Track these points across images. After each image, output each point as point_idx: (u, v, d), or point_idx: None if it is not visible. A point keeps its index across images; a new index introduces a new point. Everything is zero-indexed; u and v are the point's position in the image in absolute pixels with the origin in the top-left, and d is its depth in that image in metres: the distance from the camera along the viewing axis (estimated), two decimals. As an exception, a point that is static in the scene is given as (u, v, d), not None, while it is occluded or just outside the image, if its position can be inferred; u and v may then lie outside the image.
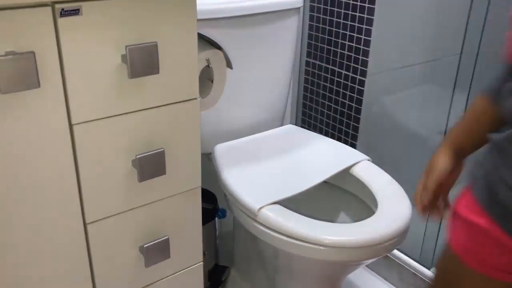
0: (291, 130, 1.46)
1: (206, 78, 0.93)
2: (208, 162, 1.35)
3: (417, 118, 1.62)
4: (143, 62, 0.71)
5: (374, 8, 1.38)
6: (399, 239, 1.06)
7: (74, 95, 0.69)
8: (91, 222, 0.79)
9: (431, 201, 0.83)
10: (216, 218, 1.47)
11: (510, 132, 0.65)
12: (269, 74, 1.40)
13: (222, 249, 1.57)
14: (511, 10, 0.71)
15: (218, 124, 1.36)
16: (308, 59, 1.68)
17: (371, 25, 1.41)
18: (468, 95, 1.24)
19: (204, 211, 1.44)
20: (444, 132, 1.32)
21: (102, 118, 0.73)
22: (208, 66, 0.89)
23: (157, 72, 0.73)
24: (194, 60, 0.79)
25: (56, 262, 0.77)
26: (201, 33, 1.19)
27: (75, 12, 0.66)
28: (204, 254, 1.47)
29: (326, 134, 1.67)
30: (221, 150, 1.31)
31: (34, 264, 0.75)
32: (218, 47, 0.90)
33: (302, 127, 1.78)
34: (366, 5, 1.40)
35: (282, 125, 1.52)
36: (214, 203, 1.44)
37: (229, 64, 0.93)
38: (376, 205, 1.14)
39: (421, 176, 0.85)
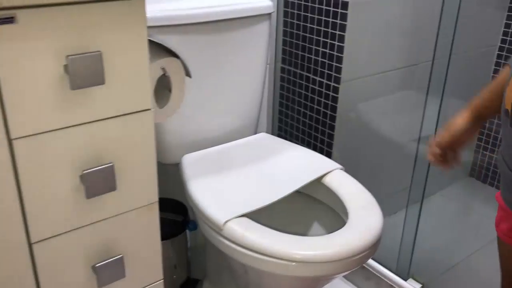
0: (264, 139, 1.42)
1: (164, 88, 0.89)
2: (178, 172, 1.30)
3: (392, 125, 1.60)
4: (86, 72, 0.67)
5: (346, 14, 1.36)
6: (370, 251, 1.03)
7: (12, 108, 0.65)
8: (37, 242, 0.74)
9: (442, 154, 0.94)
10: (187, 230, 1.43)
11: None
12: (240, 81, 1.36)
13: (195, 262, 1.52)
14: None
15: (187, 133, 1.32)
16: (283, 66, 1.65)
17: (344, 31, 1.38)
18: (441, 100, 1.21)
19: (175, 223, 1.40)
20: (418, 140, 1.29)
21: (44, 132, 0.68)
22: (164, 75, 0.85)
23: (103, 83, 0.69)
24: (145, 69, 0.75)
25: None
26: (163, 40, 1.15)
27: (9, 20, 0.61)
28: (175, 267, 1.43)
29: (303, 141, 1.64)
30: (189, 161, 1.27)
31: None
32: (175, 55, 0.86)
33: (279, 134, 1.74)
34: (339, 10, 1.37)
35: (256, 133, 1.48)
36: (185, 215, 1.40)
37: (188, 73, 0.89)
38: (347, 216, 1.11)
39: (440, 131, 0.95)
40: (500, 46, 1.93)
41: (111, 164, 0.75)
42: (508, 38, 1.91)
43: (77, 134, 0.71)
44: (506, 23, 1.90)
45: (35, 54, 0.64)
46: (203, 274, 1.51)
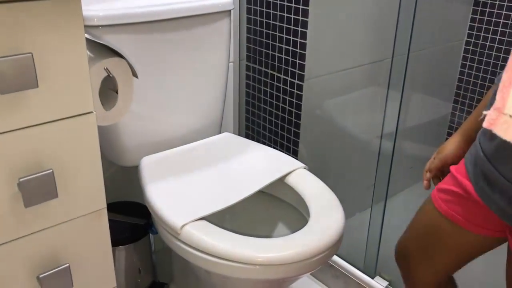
0: (227, 138, 1.40)
1: (111, 89, 0.85)
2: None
3: (357, 122, 1.59)
4: (16, 75, 0.63)
5: (308, 10, 1.34)
6: (330, 251, 1.01)
7: None
8: (-26, 254, 0.70)
9: (434, 177, 1.01)
10: (151, 234, 1.40)
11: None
12: (201, 80, 1.34)
13: (160, 266, 1.49)
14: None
15: (147, 134, 1.28)
16: (248, 64, 1.62)
17: (306, 27, 1.36)
18: (401, 96, 1.20)
19: (137, 227, 1.37)
20: (380, 136, 1.28)
21: (-26, 139, 0.65)
22: (109, 76, 0.81)
23: (36, 86, 0.66)
24: (85, 70, 0.71)
25: None
26: (113, 40, 1.12)
27: None
28: (139, 271, 1.40)
29: (270, 140, 1.62)
30: (147, 163, 1.23)
31: None
32: (120, 55, 0.83)
33: (246, 134, 1.72)
34: (300, 6, 1.35)
35: (220, 132, 1.45)
36: (147, 218, 1.37)
37: (134, 73, 0.86)
38: (309, 216, 1.09)
39: (434, 154, 1.01)
40: (466, 40, 1.94)
41: (50, 170, 0.71)
42: (474, 33, 1.91)
43: (12, 140, 0.68)
44: (472, 18, 1.91)
45: (-42, 57, 0.61)
46: (170, 277, 1.48)
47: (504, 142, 0.72)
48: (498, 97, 0.55)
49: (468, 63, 1.95)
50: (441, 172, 1.01)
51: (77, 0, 0.68)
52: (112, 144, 1.25)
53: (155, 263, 1.45)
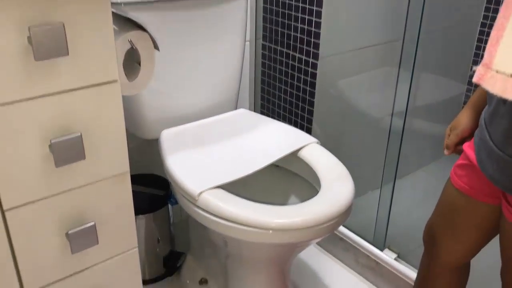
0: (243, 114, 1.45)
1: (134, 61, 0.91)
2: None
3: (370, 101, 1.62)
4: (49, 43, 0.69)
5: (323, -11, 1.37)
6: (340, 219, 1.06)
7: (-22, 78, 0.67)
8: (9, 209, 0.77)
9: (454, 149, 1.02)
10: (170, 205, 1.46)
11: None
12: (218, 57, 1.38)
13: (178, 236, 1.56)
14: None
15: (166, 109, 1.34)
16: (264, 43, 1.66)
17: (321, 6, 1.39)
18: (412, 76, 1.23)
19: (156, 198, 1.43)
20: (391, 115, 1.32)
21: (11, 103, 0.71)
22: (132, 48, 0.87)
23: (66, 54, 0.71)
24: (111, 41, 0.77)
25: (-28, 250, 0.75)
26: (136, 17, 1.17)
27: (-29, -8, 0.63)
28: (158, 240, 1.47)
29: (283, 117, 1.67)
30: (167, 136, 1.29)
31: None
32: (143, 28, 0.88)
33: (261, 111, 1.77)
34: (316, -14, 1.39)
35: (236, 108, 1.50)
36: (167, 190, 1.43)
37: (156, 46, 0.91)
38: (320, 187, 1.14)
39: (446, 130, 1.04)
40: (482, 22, 1.95)
41: (79, 133, 0.77)
42: (490, 14, 1.92)
43: (44, 105, 0.74)
44: (488, -1, 1.91)
45: (-2, 25, 0.66)
46: (187, 247, 1.54)
47: (496, 107, 0.75)
48: (486, 54, 0.60)
49: (483, 44, 1.96)
50: (458, 147, 1.04)
51: (104, -26, 0.73)
52: (135, 118, 1.31)
53: (173, 234, 1.52)
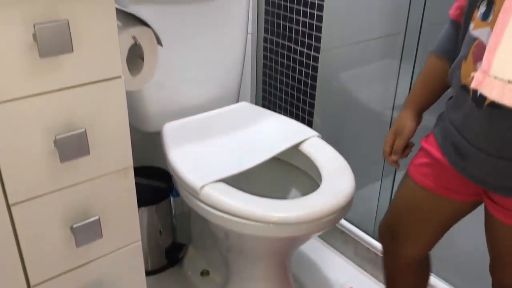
0: (244, 108, 1.45)
1: (137, 57, 0.91)
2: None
3: (371, 95, 1.62)
4: (54, 40, 0.70)
5: (325, -17, 1.37)
6: (340, 213, 1.07)
7: (-17, 75, 0.68)
8: (15, 204, 0.78)
9: (402, 153, 1.03)
10: (172, 197, 1.47)
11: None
12: (220, 51, 1.39)
13: (180, 228, 1.57)
14: None
15: (168, 102, 1.35)
16: (266, 36, 1.66)
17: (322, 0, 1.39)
18: (413, 69, 1.24)
19: (158, 190, 1.45)
20: (392, 108, 1.32)
21: (16, 99, 0.71)
22: (136, 44, 0.87)
23: (71, 51, 0.72)
24: (114, 37, 0.77)
25: (-21, 244, 0.76)
26: (141, 10, 1.17)
27: (-24, -11, 0.64)
28: (160, 232, 1.48)
29: (285, 110, 1.67)
30: (169, 129, 1.30)
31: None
32: (146, 24, 0.89)
33: (262, 104, 1.77)
34: (318, -21, 1.39)
35: (237, 102, 1.51)
36: (169, 182, 1.45)
37: (159, 41, 0.91)
38: (321, 181, 1.15)
39: (388, 135, 1.03)
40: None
41: (83, 129, 0.78)
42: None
43: (49, 101, 0.74)
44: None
45: (3, 22, 0.67)
46: (188, 239, 1.56)
47: (469, 112, 0.77)
48: (484, 60, 0.60)
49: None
50: (406, 150, 1.04)
51: (108, -29, 0.73)
52: (137, 111, 1.32)
53: (175, 226, 1.54)
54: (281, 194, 1.38)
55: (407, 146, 1.03)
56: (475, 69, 0.72)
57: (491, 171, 0.81)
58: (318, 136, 1.30)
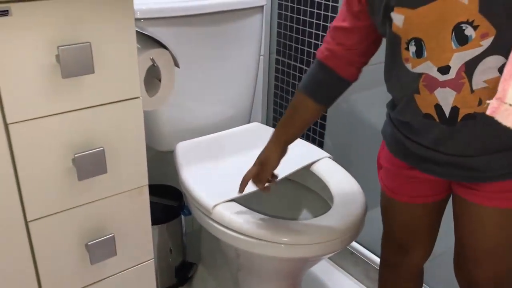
0: (256, 128, 1.47)
1: (155, 78, 0.94)
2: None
3: (382, 115, 1.63)
4: (76, 62, 0.72)
5: (337, 6, 1.39)
6: (351, 235, 1.08)
7: (8, 95, 0.70)
8: (33, 220, 0.79)
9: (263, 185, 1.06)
10: (182, 216, 1.48)
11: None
12: (233, 72, 1.41)
13: (190, 246, 1.58)
14: None
15: (182, 122, 1.37)
16: (277, 57, 1.69)
17: (335, 23, 1.41)
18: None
19: (169, 209, 1.46)
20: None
21: (38, 118, 0.73)
22: (154, 65, 0.89)
23: (92, 72, 0.74)
24: (134, 59, 0.79)
25: (-3, 260, 0.78)
26: (158, 32, 1.20)
27: (4, 13, 0.66)
28: (170, 251, 1.49)
29: (296, 131, 1.68)
30: (182, 148, 1.32)
31: (-27, 262, 0.76)
32: (164, 46, 0.91)
33: (273, 124, 1.79)
34: (330, 3, 1.41)
35: (249, 122, 1.53)
36: (180, 201, 1.46)
37: (176, 63, 0.94)
38: (333, 202, 1.15)
39: (253, 167, 1.06)
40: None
41: (102, 148, 0.80)
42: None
43: (69, 120, 0.76)
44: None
45: (28, 44, 0.69)
46: (198, 258, 1.56)
47: (439, 133, 0.85)
48: (500, 88, 0.63)
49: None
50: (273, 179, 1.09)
51: (129, -5, 0.76)
52: (151, 130, 1.34)
53: (186, 244, 1.54)
54: (292, 214, 1.38)
55: (272, 176, 1.06)
56: (435, 98, 0.80)
57: (458, 167, 0.87)
58: (330, 157, 1.31)
